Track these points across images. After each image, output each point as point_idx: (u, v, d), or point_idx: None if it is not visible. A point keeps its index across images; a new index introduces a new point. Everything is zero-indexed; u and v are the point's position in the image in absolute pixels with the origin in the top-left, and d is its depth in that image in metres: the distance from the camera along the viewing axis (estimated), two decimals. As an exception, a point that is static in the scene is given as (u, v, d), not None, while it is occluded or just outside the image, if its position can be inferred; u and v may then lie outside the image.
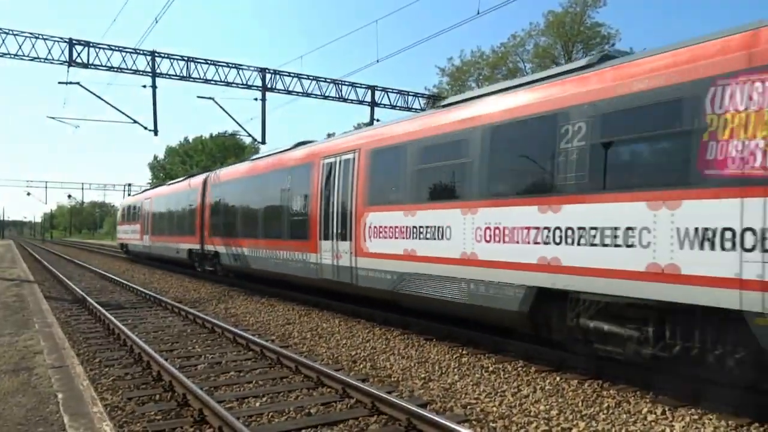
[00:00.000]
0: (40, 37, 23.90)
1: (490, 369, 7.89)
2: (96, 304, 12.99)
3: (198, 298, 16.21)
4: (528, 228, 7.77)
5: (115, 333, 10.19)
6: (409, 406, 5.71)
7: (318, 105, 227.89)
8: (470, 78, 50.15)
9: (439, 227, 9.36)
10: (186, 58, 26.79)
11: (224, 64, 27.55)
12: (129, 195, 58.29)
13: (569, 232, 7.21)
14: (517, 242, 7.92)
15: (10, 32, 23.57)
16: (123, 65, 25.37)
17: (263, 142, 29.21)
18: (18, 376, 6.75)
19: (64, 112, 77.34)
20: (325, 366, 7.63)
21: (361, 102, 30.96)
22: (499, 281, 8.23)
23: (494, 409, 6.20)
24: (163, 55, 26.22)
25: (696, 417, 5.88)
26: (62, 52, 24.18)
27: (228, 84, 27.67)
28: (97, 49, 24.90)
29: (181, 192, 24.51)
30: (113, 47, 25.21)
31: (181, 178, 29.60)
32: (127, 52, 25.38)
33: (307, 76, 29.55)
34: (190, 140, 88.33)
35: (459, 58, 50.35)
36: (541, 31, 45.98)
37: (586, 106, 7.16)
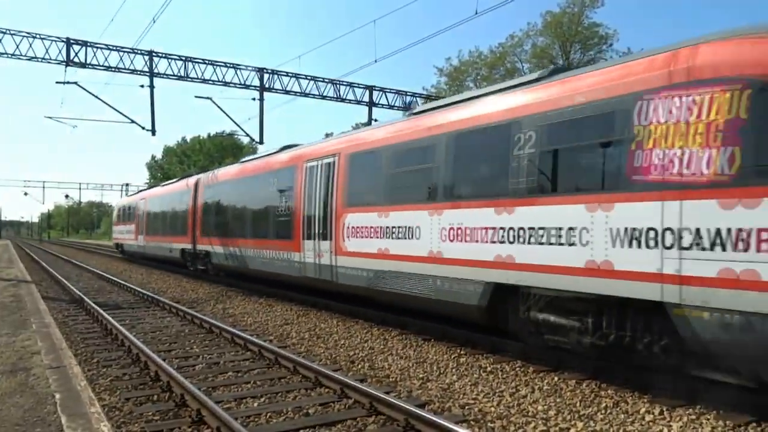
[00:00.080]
0: (38, 36, 23.86)
1: (488, 369, 7.89)
2: (94, 305, 12.97)
3: (196, 298, 16.19)
4: (486, 228, 8.39)
5: (112, 333, 10.18)
6: (407, 407, 5.71)
7: (316, 105, 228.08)
8: (468, 78, 50.21)
9: (409, 228, 9.97)
10: (184, 58, 26.75)
11: (222, 64, 27.52)
12: (126, 195, 58.24)
13: (521, 232, 7.83)
14: (477, 241, 8.53)
15: (8, 32, 23.52)
16: (121, 65, 25.33)
17: (261, 142, 29.21)
18: (15, 376, 6.73)
19: (61, 111, 77.31)
20: (324, 366, 7.63)
21: (359, 102, 30.95)
22: (461, 278, 8.82)
23: (492, 409, 6.21)
24: (160, 54, 26.18)
25: (694, 417, 5.89)
26: (59, 51, 24.16)
27: (226, 84, 27.63)
28: (95, 49, 24.86)
29: (174, 193, 25.15)
30: (111, 47, 25.16)
31: (174, 180, 30.11)
32: (124, 51, 25.33)
33: (305, 76, 29.55)
34: (188, 140, 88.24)
35: (457, 58, 50.41)
36: (539, 31, 46.05)
37: (535, 116, 7.80)
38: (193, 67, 26.92)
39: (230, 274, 19.50)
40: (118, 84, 46.60)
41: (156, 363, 7.52)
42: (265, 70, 28.50)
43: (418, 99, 32.97)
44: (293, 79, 29.14)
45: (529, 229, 7.71)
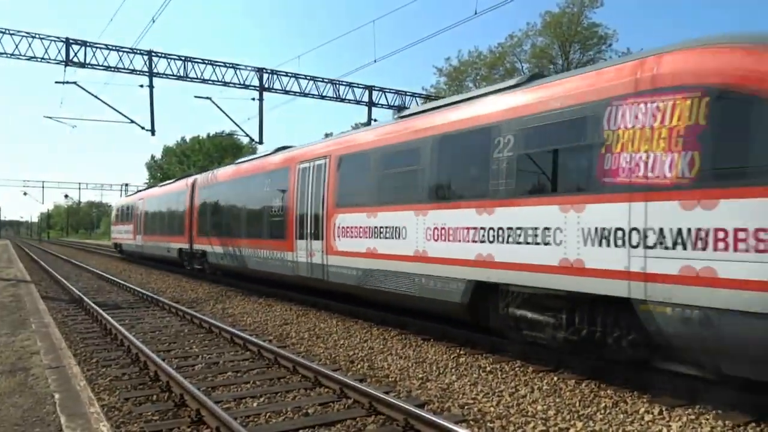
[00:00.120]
0: (37, 36, 23.85)
1: (488, 369, 7.90)
2: (93, 305, 12.96)
3: (195, 298, 16.19)
4: (468, 228, 8.71)
5: (112, 333, 10.17)
6: (407, 407, 5.71)
7: (315, 105, 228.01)
8: (468, 78, 50.24)
9: (396, 227, 10.29)
10: (183, 58, 26.76)
11: (221, 64, 27.52)
12: (126, 195, 58.32)
13: (500, 232, 8.16)
14: (459, 241, 8.85)
15: (7, 31, 23.52)
16: (120, 65, 25.34)
17: (260, 142, 29.23)
18: (15, 376, 6.73)
19: (61, 111, 77.21)
20: (323, 366, 7.63)
21: (358, 102, 30.95)
22: (445, 276, 9.14)
23: (492, 409, 6.21)
24: (160, 54, 26.18)
25: (693, 417, 5.89)
26: (59, 51, 24.16)
27: (225, 84, 27.63)
28: (94, 49, 24.86)
29: (172, 193, 25.48)
30: (110, 47, 25.17)
31: (171, 180, 30.45)
32: (124, 51, 25.33)
33: (305, 76, 29.56)
34: (188, 140, 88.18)
35: (456, 58, 50.43)
36: (539, 31, 46.08)
37: (513, 121, 8.13)
38: (193, 67, 26.93)
39: (226, 274, 19.77)
40: (118, 84, 46.79)
41: (155, 363, 7.52)
42: (264, 70, 28.51)
43: (417, 99, 32.97)
44: (293, 79, 29.15)
45: (508, 229, 8.03)
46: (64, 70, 24.95)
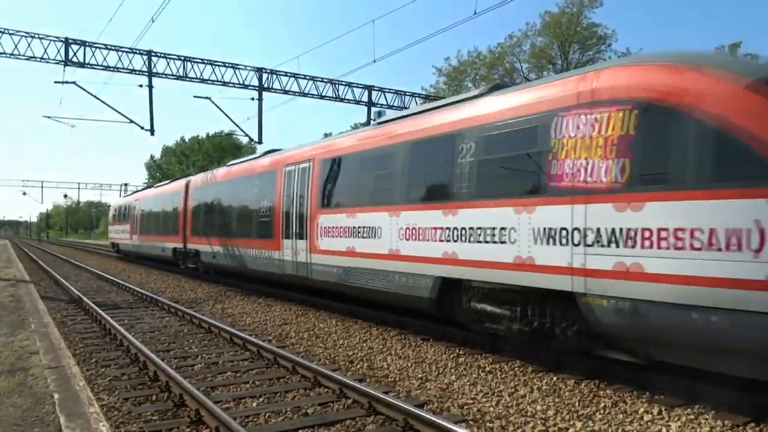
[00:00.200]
0: (36, 36, 23.82)
1: (487, 369, 7.90)
2: (92, 305, 12.96)
3: (195, 298, 16.19)
4: (435, 228, 9.30)
5: (111, 333, 10.17)
6: (406, 407, 5.71)
7: (315, 105, 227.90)
8: (467, 78, 50.19)
9: (372, 227, 10.88)
10: (183, 58, 26.72)
11: (221, 64, 27.49)
12: (124, 195, 58.40)
13: (463, 232, 8.74)
14: (428, 240, 9.43)
15: (6, 31, 23.48)
16: (119, 65, 25.29)
17: (260, 141, 29.19)
18: (14, 376, 6.73)
19: (60, 111, 76.79)
20: (322, 366, 7.63)
21: (358, 102, 30.91)
22: (415, 273, 9.73)
23: (491, 409, 6.21)
24: (159, 54, 26.14)
25: (692, 417, 5.89)
26: (58, 51, 24.12)
27: (225, 84, 27.60)
28: (93, 49, 24.82)
29: (167, 194, 26.11)
30: (109, 47, 25.13)
31: (167, 181, 31.16)
32: (123, 51, 25.28)
33: (304, 75, 29.53)
34: (187, 140, 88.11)
35: (456, 58, 50.38)
36: (538, 31, 46.06)
37: (475, 128, 8.74)
38: (192, 66, 26.90)
39: (219, 272, 20.29)
40: (117, 84, 46.93)
41: (155, 363, 7.52)
42: (263, 70, 28.48)
43: (417, 99, 32.97)
44: (292, 79, 29.12)
45: (470, 229, 8.63)
46: (64, 70, 24.96)
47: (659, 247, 6.12)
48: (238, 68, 27.84)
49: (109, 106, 25.80)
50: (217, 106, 27.31)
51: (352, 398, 6.41)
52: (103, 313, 11.60)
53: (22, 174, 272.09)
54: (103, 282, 20.62)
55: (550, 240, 7.32)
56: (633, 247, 6.36)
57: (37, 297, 14.66)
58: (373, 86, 31.16)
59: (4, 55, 23.50)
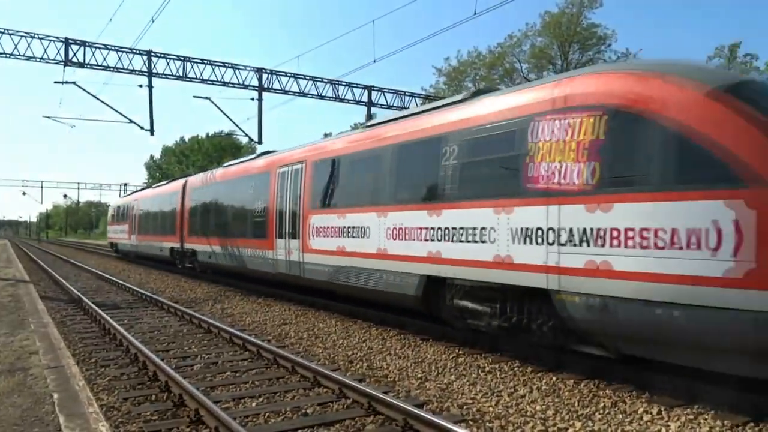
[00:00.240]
0: (36, 36, 23.80)
1: (487, 369, 7.90)
2: (92, 304, 12.96)
3: (194, 298, 16.19)
4: (421, 228, 9.60)
5: (111, 333, 10.17)
6: (406, 406, 5.71)
7: (315, 105, 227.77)
8: (467, 78, 50.22)
9: (361, 228, 11.20)
10: (182, 58, 26.71)
11: (221, 64, 27.48)
12: (123, 195, 58.53)
13: (447, 231, 9.05)
14: (414, 240, 9.75)
15: (6, 32, 23.47)
16: (119, 65, 25.27)
17: (260, 142, 29.15)
18: (14, 376, 6.73)
19: (60, 111, 76.82)
20: (322, 366, 7.63)
21: (357, 102, 30.91)
22: (402, 271, 10.04)
23: (491, 409, 6.21)
24: (159, 54, 26.13)
25: (692, 417, 5.89)
26: (58, 51, 24.10)
27: (224, 84, 27.58)
28: (93, 49, 24.81)
29: (164, 195, 26.48)
30: (109, 47, 25.11)
31: (164, 182, 31.70)
32: (123, 51, 25.27)
33: (304, 76, 29.52)
34: (187, 140, 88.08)
35: (456, 59, 50.40)
36: (538, 31, 46.08)
37: (458, 132, 9.06)
38: (192, 67, 26.89)
39: (215, 271, 20.59)
40: (117, 84, 46.99)
41: (154, 363, 7.51)
42: (263, 70, 28.47)
43: (416, 99, 32.97)
44: (292, 79, 29.12)
45: (453, 228, 8.94)
46: (63, 70, 24.97)
47: (626, 246, 6.44)
48: (238, 68, 27.84)
49: (109, 106, 25.83)
50: (217, 106, 27.34)
51: (351, 398, 6.40)
52: (102, 313, 11.60)
53: (22, 174, 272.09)
54: (103, 282, 20.61)
55: (527, 239, 7.65)
56: (602, 246, 6.68)
57: (37, 297, 14.66)
58: (373, 86, 31.18)
59: (4, 55, 23.49)
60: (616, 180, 6.67)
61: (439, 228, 9.18)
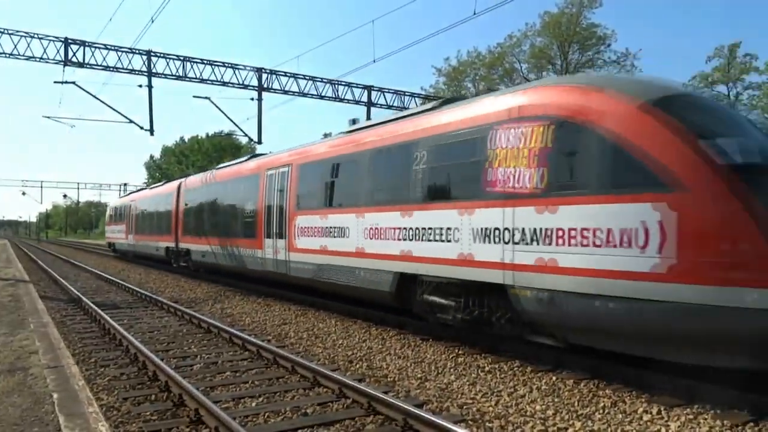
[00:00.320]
0: (36, 36, 23.80)
1: (487, 369, 7.90)
2: (92, 304, 12.95)
3: (194, 298, 16.19)
4: (395, 228, 10.20)
5: (110, 333, 10.17)
6: (406, 406, 5.71)
7: (315, 105, 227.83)
8: (467, 78, 50.23)
9: (341, 228, 11.83)
10: (182, 58, 26.71)
11: (221, 64, 27.48)
12: (122, 195, 58.70)
13: (417, 231, 9.65)
14: (388, 239, 10.34)
15: (6, 31, 23.47)
16: (119, 65, 25.28)
17: (259, 142, 29.17)
18: (13, 376, 6.73)
19: (59, 111, 76.67)
20: (322, 366, 7.63)
21: (357, 102, 30.90)
22: (377, 269, 10.65)
23: (490, 409, 6.21)
24: (159, 54, 26.13)
25: (691, 417, 5.89)
26: (57, 51, 24.09)
27: (224, 84, 27.58)
28: (93, 49, 24.80)
29: (160, 195, 27.13)
30: (109, 47, 25.11)
31: (160, 183, 32.74)
32: (123, 51, 25.26)
33: (304, 75, 29.53)
34: (186, 140, 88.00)
35: (455, 59, 50.39)
36: (537, 31, 46.08)
37: (427, 139, 9.69)
38: (192, 67, 26.89)
39: (209, 270, 21.14)
40: (117, 84, 47.00)
41: (154, 363, 7.51)
42: (263, 70, 28.47)
43: (416, 99, 32.97)
44: (291, 79, 29.12)
45: (422, 229, 9.53)
46: (63, 70, 24.96)
47: (570, 245, 7.04)
48: (238, 68, 27.84)
49: (108, 106, 25.82)
50: (217, 106, 27.37)
51: (351, 398, 6.40)
52: (102, 313, 11.60)
53: (22, 174, 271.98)
54: (103, 282, 20.61)
55: (486, 239, 8.24)
56: (550, 244, 7.26)
57: (37, 297, 14.66)
58: (373, 86, 31.18)
59: (4, 55, 23.49)
60: (561, 184, 7.28)
61: (411, 228, 9.77)
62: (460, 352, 8.84)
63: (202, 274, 21.50)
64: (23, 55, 23.61)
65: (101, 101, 25.71)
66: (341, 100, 30.59)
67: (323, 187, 12.88)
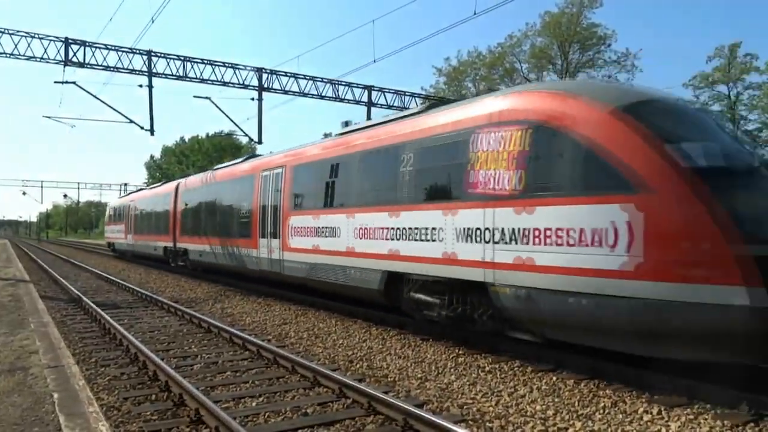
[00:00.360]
0: (36, 36, 23.77)
1: (487, 369, 7.90)
2: (92, 304, 12.96)
3: (194, 297, 16.19)
4: (383, 228, 10.49)
5: (111, 333, 10.17)
6: (406, 406, 5.71)
7: (315, 105, 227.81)
8: (467, 78, 50.20)
9: (333, 228, 12.13)
10: (182, 58, 26.68)
11: (221, 64, 27.46)
12: (122, 195, 58.82)
13: (404, 231, 9.96)
14: (377, 239, 10.63)
15: (6, 31, 23.44)
16: (119, 65, 25.23)
17: (260, 142, 29.16)
18: (14, 375, 6.73)
19: (60, 111, 76.66)
20: (322, 366, 7.63)
21: (357, 102, 30.87)
22: (367, 267, 10.95)
23: (491, 409, 6.21)
24: (159, 54, 26.10)
25: (692, 417, 5.89)
26: (58, 51, 24.06)
27: (225, 84, 27.56)
28: (93, 49, 24.78)
29: (158, 196, 27.51)
30: (109, 47, 25.08)
31: (159, 183, 33.31)
32: (123, 51, 25.23)
33: (304, 75, 29.48)
34: (187, 140, 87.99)
35: (456, 58, 50.37)
36: (538, 31, 46.07)
37: (413, 142, 10.04)
38: (192, 66, 26.86)
39: (205, 269, 21.39)
40: (117, 84, 46.97)
41: (154, 362, 7.52)
42: (263, 70, 28.45)
43: (416, 99, 32.95)
44: (292, 79, 29.09)
45: (409, 228, 9.83)
46: (64, 70, 24.91)
47: (546, 244, 7.34)
48: (238, 68, 27.82)
49: (109, 106, 25.78)
50: (217, 106, 27.34)
51: (351, 398, 6.40)
52: (102, 313, 11.60)
53: (22, 174, 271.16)
54: (103, 281, 20.62)
55: (468, 238, 8.54)
56: (527, 243, 7.58)
57: (37, 296, 14.66)
58: (373, 86, 31.15)
59: (4, 55, 23.47)
60: (537, 186, 7.58)
61: (398, 228, 10.09)
62: (460, 352, 8.84)
63: (202, 274, 21.50)
64: (23, 55, 23.59)
65: (101, 101, 25.71)
66: (342, 100, 30.57)
67: (315, 188, 13.19)
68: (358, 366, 8.14)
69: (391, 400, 5.95)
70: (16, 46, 23.41)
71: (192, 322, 11.60)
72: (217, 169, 21.25)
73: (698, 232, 6.25)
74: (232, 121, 28.53)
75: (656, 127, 6.95)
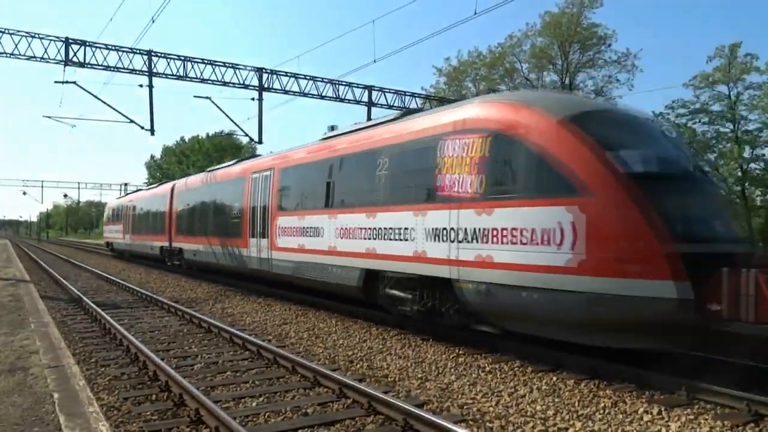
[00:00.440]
0: (36, 36, 23.73)
1: (487, 369, 7.90)
2: (92, 304, 12.96)
3: (194, 297, 16.19)
4: (361, 228, 11.11)
5: (111, 333, 10.17)
6: (406, 406, 5.72)
7: (315, 105, 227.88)
8: (467, 78, 50.10)
9: (316, 228, 12.76)
10: (183, 58, 26.64)
11: (221, 64, 27.43)
12: (122, 195, 58.90)
13: (380, 231, 10.56)
14: (356, 238, 11.25)
15: (6, 31, 23.41)
16: (119, 65, 25.16)
17: (260, 141, 29.12)
18: (14, 375, 6.73)
19: (60, 111, 76.49)
20: (322, 366, 7.63)
21: (358, 102, 30.83)
22: (347, 266, 11.58)
23: (491, 409, 6.21)
24: (159, 54, 26.05)
25: (692, 417, 5.89)
26: (58, 51, 24.00)
27: (225, 84, 27.52)
28: (94, 49, 24.74)
29: (155, 197, 28.18)
30: (110, 46, 25.04)
31: (156, 184, 34.14)
32: (123, 51, 25.19)
33: (304, 75, 29.43)
34: (187, 140, 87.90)
35: (456, 58, 50.26)
36: (538, 31, 45.92)
37: (388, 147, 10.69)
38: (192, 66, 26.81)
39: (201, 269, 21.87)
40: (117, 84, 46.90)
41: (154, 362, 7.52)
42: (264, 70, 28.41)
43: (417, 99, 32.94)
44: (292, 79, 29.05)
45: (384, 228, 10.43)
46: (64, 70, 24.83)
47: (502, 243, 7.98)
48: (238, 68, 27.78)
49: (109, 106, 25.72)
50: (217, 106, 27.30)
51: (351, 398, 6.41)
52: (102, 313, 11.60)
53: (22, 174, 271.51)
54: (103, 281, 20.62)
55: (436, 237, 9.13)
56: (487, 242, 8.19)
57: (37, 296, 14.66)
58: (373, 86, 31.08)
59: (4, 55, 23.43)
60: (495, 189, 8.22)
61: (375, 228, 10.70)
62: (460, 352, 8.85)
63: (202, 275, 21.50)
64: (24, 55, 23.55)
65: (102, 101, 25.65)
66: (342, 100, 30.52)
67: (301, 190, 13.99)
68: (358, 366, 8.15)
69: (391, 400, 5.96)
70: (16, 45, 23.39)
71: (192, 322, 11.61)
72: (211, 171, 21.90)
73: (633, 231, 6.87)
74: (232, 121, 28.52)
75: (599, 135, 7.56)
